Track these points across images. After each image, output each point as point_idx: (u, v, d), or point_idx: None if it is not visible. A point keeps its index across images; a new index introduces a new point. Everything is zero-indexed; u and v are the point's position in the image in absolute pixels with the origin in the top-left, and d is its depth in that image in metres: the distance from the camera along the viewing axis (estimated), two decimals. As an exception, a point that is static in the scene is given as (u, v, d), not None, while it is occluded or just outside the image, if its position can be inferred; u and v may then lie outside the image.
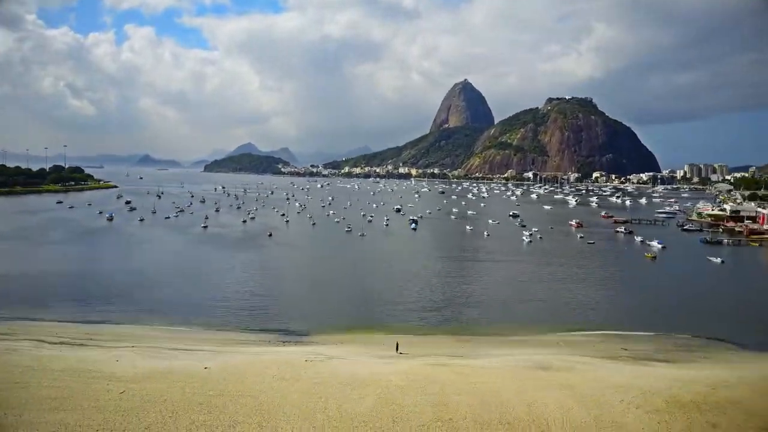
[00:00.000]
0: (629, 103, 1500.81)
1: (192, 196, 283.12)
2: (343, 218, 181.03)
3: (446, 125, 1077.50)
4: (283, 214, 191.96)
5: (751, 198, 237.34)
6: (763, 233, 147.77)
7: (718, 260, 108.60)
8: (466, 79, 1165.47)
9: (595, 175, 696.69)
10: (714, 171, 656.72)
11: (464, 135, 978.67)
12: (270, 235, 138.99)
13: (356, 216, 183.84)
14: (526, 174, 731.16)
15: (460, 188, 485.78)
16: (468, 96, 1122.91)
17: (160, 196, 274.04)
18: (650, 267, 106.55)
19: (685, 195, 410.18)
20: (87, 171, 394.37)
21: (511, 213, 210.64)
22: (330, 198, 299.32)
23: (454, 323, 63.74)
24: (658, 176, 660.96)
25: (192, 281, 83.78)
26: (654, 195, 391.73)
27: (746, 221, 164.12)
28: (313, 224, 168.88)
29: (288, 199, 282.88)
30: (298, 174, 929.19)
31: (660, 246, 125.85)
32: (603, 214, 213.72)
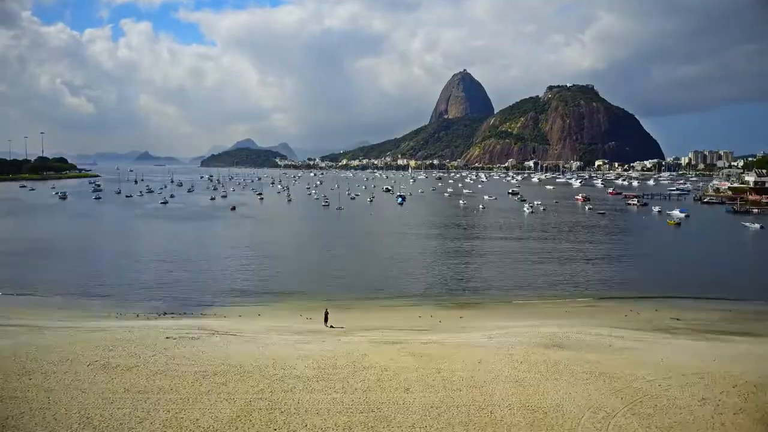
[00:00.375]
0: (632, 94, 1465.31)
1: (172, 182, 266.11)
2: (324, 196, 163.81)
3: (445, 116, 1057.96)
4: (260, 194, 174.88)
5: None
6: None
7: (757, 226, 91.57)
8: (465, 70, 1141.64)
9: (598, 163, 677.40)
10: (719, 158, 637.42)
11: (463, 125, 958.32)
12: (233, 208, 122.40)
13: (341, 196, 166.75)
14: (527, 163, 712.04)
15: (458, 176, 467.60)
16: (467, 86, 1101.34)
17: (137, 182, 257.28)
18: (677, 233, 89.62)
19: (694, 179, 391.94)
20: (81, 168, 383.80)
21: (510, 190, 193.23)
22: (318, 182, 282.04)
23: (426, 293, 46.56)
24: (663, 163, 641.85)
25: (94, 251, 67.34)
26: (661, 179, 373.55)
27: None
28: (289, 201, 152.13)
29: (273, 183, 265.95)
30: (294, 167, 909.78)
31: (683, 214, 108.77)
32: (611, 191, 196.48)
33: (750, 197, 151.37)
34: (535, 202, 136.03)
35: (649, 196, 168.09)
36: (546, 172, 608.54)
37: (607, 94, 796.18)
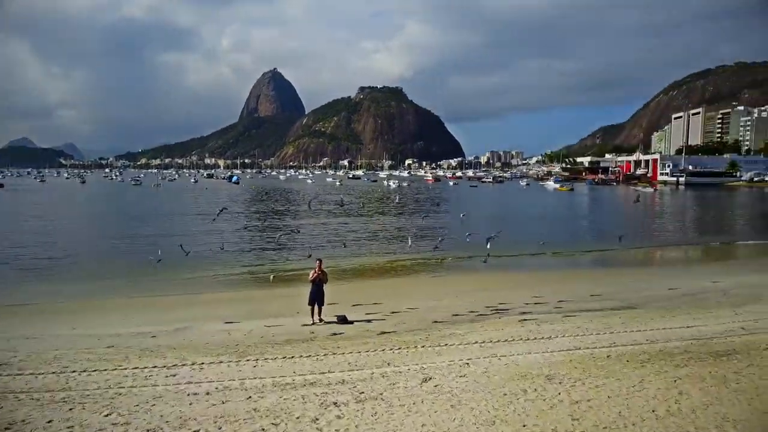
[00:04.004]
0: (436, 101, 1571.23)
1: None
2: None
3: (256, 114, 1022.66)
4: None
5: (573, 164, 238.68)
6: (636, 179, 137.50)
7: (650, 189, 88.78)
8: (275, 69, 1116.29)
9: (408, 161, 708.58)
10: (512, 156, 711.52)
11: (275, 124, 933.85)
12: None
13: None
14: (341, 162, 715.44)
15: (274, 173, 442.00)
16: (278, 85, 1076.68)
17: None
18: (589, 195, 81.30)
19: (506, 175, 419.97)
20: None
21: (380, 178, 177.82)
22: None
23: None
24: (465, 162, 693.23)
25: None
26: (468, 174, 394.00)
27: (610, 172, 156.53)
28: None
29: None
30: (83, 167, 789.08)
31: (557, 184, 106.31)
32: (451, 175, 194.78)
33: (585, 176, 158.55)
34: (399, 182, 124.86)
35: (493, 178, 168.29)
36: (361, 169, 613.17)
37: (414, 98, 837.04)
